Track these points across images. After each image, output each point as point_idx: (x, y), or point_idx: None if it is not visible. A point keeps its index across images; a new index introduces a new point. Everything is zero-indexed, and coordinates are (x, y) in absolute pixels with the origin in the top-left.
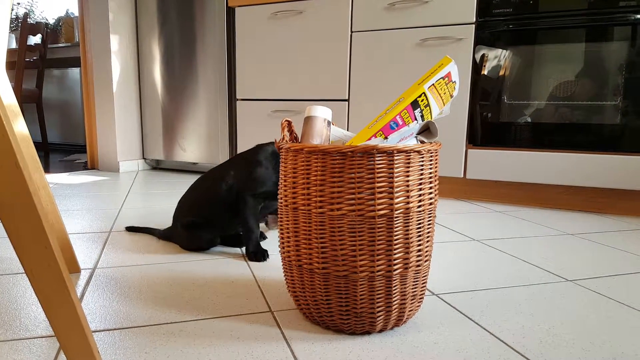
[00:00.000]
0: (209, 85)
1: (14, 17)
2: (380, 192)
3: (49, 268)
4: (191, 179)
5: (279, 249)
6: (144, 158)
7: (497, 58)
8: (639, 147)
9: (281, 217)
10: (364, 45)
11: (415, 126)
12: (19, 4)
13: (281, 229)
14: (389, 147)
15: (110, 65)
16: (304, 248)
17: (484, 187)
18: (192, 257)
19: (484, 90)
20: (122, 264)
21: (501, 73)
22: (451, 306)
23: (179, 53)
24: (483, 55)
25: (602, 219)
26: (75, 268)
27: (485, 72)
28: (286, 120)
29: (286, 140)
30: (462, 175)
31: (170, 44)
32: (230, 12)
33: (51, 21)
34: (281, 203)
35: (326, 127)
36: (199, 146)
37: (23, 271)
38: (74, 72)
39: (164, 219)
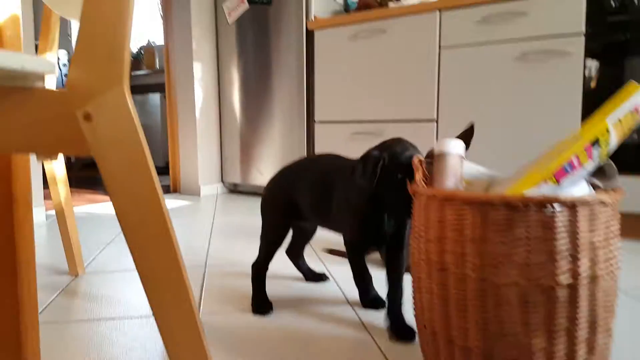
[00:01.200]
0: (285, 109)
1: None
2: (561, 255)
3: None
4: None
5: (414, 313)
6: (222, 181)
7: (613, 72)
8: None
9: (418, 276)
10: (454, 61)
11: (590, 167)
12: None
13: (418, 291)
14: (573, 199)
15: (193, 92)
16: (456, 321)
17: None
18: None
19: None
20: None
21: (618, 89)
22: None
23: (256, 78)
24: (596, 70)
25: None
26: None
27: (598, 87)
28: (418, 159)
29: (423, 184)
30: None
31: (248, 69)
32: (309, 36)
33: (134, 50)
34: (419, 259)
35: (460, 164)
36: (275, 169)
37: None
38: (154, 97)
39: None
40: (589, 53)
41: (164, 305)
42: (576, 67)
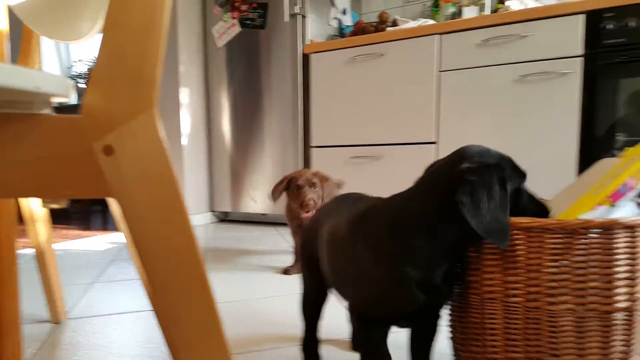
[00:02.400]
0: (278, 134)
1: (77, 73)
2: (620, 279)
3: None
4: (263, 230)
5: (453, 345)
6: (212, 211)
7: (610, 93)
8: None
9: (460, 308)
10: (453, 84)
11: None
12: (80, 60)
13: (461, 323)
14: (633, 222)
15: (180, 118)
16: (507, 352)
17: None
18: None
19: (596, 128)
20: None
21: (615, 109)
22: None
23: (247, 103)
24: (593, 90)
25: None
26: None
27: (595, 108)
28: None
29: None
30: None
31: (239, 94)
32: (305, 60)
33: None
34: (462, 288)
35: None
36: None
37: None
38: None
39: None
40: (587, 75)
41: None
42: (574, 89)
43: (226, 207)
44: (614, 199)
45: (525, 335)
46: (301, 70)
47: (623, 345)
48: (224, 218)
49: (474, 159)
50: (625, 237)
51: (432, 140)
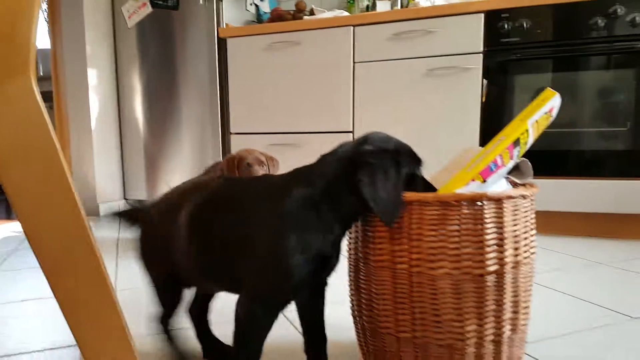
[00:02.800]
0: (195, 119)
1: None
2: (489, 246)
3: None
4: None
5: (352, 312)
6: (125, 199)
7: (506, 87)
8: None
9: (356, 277)
10: (368, 75)
11: (510, 165)
12: None
13: (356, 290)
14: (499, 195)
15: (88, 101)
16: (396, 314)
17: None
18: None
19: (493, 119)
20: None
21: (510, 102)
22: None
23: (161, 86)
24: (491, 84)
25: (617, 245)
26: None
27: (493, 101)
28: None
29: None
30: None
31: (152, 76)
32: (222, 44)
33: None
34: (355, 259)
35: None
36: None
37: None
38: None
39: None
40: (486, 70)
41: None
42: (475, 82)
43: (141, 194)
44: (484, 176)
45: (411, 298)
46: (217, 55)
47: (495, 305)
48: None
49: (376, 143)
50: (493, 208)
51: (349, 129)
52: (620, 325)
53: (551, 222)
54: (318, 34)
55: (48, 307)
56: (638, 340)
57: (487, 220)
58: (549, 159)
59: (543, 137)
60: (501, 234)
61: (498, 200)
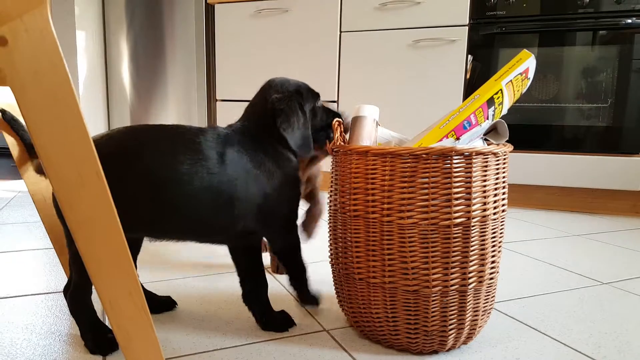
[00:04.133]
0: (182, 85)
1: None
2: (457, 199)
3: (130, 297)
4: None
5: (330, 260)
6: None
7: (490, 60)
8: (629, 149)
9: (334, 226)
10: (354, 45)
11: (486, 125)
12: None
13: (334, 239)
14: (468, 150)
15: (77, 64)
16: (368, 260)
17: None
18: (209, 271)
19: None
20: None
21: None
22: (509, 316)
23: (149, 52)
24: (475, 57)
25: (596, 219)
26: None
27: (477, 74)
28: (337, 121)
29: (340, 142)
30: None
31: (140, 41)
32: (209, 10)
33: None
34: (334, 210)
35: (375, 127)
36: None
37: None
38: None
39: None
40: (471, 43)
41: (102, 265)
42: (460, 56)
43: None
44: (458, 133)
45: (382, 245)
46: (204, 20)
47: (461, 255)
48: None
49: (278, 88)
50: (462, 163)
51: (334, 99)
52: (592, 288)
53: (532, 197)
54: (306, 2)
55: (42, 256)
56: (606, 301)
57: (455, 174)
58: (531, 133)
59: (526, 112)
60: (469, 188)
61: (468, 156)
